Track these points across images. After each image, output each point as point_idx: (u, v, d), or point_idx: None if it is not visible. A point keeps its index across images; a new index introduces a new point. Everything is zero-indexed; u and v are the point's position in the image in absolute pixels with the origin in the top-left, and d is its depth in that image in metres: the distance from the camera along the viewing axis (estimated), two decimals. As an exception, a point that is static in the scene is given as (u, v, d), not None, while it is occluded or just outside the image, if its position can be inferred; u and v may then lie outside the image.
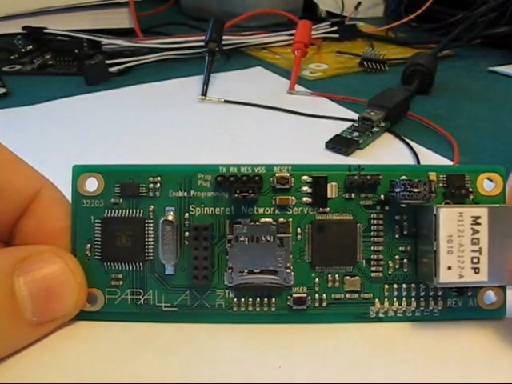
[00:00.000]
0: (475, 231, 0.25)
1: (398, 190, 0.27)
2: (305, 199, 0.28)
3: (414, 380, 0.25)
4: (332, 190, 0.28)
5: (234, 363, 0.26)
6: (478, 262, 0.25)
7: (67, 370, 0.25)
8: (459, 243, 0.25)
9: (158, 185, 0.28)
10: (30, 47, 0.76)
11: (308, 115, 0.57)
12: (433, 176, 0.28)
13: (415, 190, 0.27)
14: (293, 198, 0.28)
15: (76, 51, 0.74)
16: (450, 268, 0.25)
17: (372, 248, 0.28)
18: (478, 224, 0.25)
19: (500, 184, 0.28)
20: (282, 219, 0.28)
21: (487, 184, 0.29)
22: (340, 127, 0.51)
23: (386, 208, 0.28)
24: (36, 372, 0.25)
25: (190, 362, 0.26)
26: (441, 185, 0.28)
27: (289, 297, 0.28)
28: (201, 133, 0.53)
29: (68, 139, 0.50)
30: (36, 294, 0.25)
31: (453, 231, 0.25)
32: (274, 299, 0.28)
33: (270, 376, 0.25)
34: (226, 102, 0.60)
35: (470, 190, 0.28)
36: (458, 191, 0.28)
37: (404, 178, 0.28)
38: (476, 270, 0.25)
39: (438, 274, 0.25)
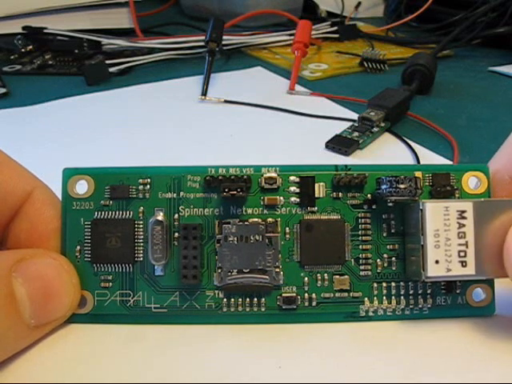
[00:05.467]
0: (461, 225, 0.26)
1: (384, 186, 0.27)
2: (293, 199, 0.28)
3: (406, 378, 0.25)
4: (320, 189, 0.28)
5: (228, 363, 0.26)
6: (465, 256, 0.26)
7: (55, 374, 0.25)
8: (446, 237, 0.26)
9: (148, 186, 0.28)
10: (30, 47, 0.76)
11: (308, 115, 0.57)
12: (418, 174, 0.28)
13: (401, 187, 0.27)
14: (281, 198, 0.28)
15: (76, 51, 0.74)
16: (437, 262, 0.26)
17: (360, 247, 0.28)
18: (464, 218, 0.26)
19: (485, 182, 0.29)
20: (270, 219, 0.28)
21: (473, 182, 0.29)
22: (340, 127, 0.52)
23: (374, 207, 0.29)
24: (27, 375, 0.25)
25: (185, 363, 0.26)
26: (427, 183, 0.29)
27: (278, 296, 0.28)
28: (201, 133, 0.53)
29: (68, 139, 0.50)
30: (34, 294, 0.25)
31: (439, 225, 0.26)
32: (263, 299, 0.28)
33: (265, 376, 0.25)
34: (226, 101, 0.60)
35: (456, 187, 0.29)
36: (443, 189, 0.28)
37: (390, 175, 0.28)
38: (463, 264, 0.26)
39: (426, 268, 0.26)
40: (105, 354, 0.26)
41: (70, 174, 0.28)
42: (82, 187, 0.28)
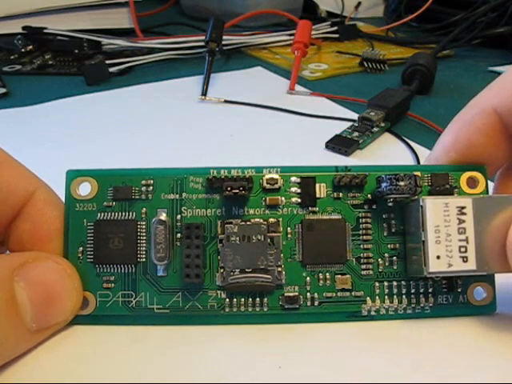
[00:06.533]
0: (461, 221, 0.26)
1: (384, 184, 0.27)
2: (294, 199, 0.28)
3: (408, 378, 0.25)
4: (320, 189, 0.29)
5: (228, 363, 0.26)
6: (466, 251, 0.26)
7: (57, 374, 0.25)
8: (446, 233, 0.26)
9: (151, 187, 0.28)
10: (30, 47, 0.76)
11: (308, 115, 0.57)
12: (418, 174, 0.29)
13: (401, 184, 0.27)
14: (282, 198, 0.28)
15: (76, 51, 0.74)
16: (438, 257, 0.26)
17: (361, 246, 0.28)
18: (464, 214, 0.26)
19: (482, 182, 0.29)
20: (272, 219, 0.28)
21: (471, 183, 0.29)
22: (340, 127, 0.52)
23: (374, 207, 0.29)
24: (29, 376, 0.25)
25: (185, 363, 0.26)
26: (426, 183, 0.29)
27: (280, 296, 0.28)
28: (201, 133, 0.53)
29: (68, 139, 0.50)
30: (35, 299, 0.25)
31: (439, 221, 0.26)
32: (265, 299, 0.28)
33: (265, 376, 0.25)
34: (226, 101, 0.60)
35: (454, 186, 0.29)
36: (442, 188, 0.29)
37: (390, 173, 0.28)
38: (464, 259, 0.26)
39: (428, 264, 0.26)
40: (107, 354, 0.26)
41: (73, 176, 0.28)
42: (85, 189, 0.28)
